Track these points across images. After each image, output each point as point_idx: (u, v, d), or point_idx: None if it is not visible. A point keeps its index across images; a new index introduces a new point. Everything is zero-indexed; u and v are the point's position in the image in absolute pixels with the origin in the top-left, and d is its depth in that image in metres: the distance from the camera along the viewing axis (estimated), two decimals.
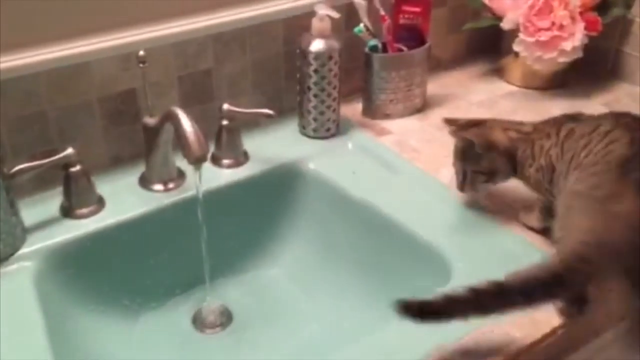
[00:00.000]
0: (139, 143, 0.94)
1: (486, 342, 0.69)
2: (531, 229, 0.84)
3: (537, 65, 1.15)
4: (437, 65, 1.27)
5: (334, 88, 1.02)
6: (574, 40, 1.11)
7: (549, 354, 0.70)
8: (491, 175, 0.83)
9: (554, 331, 0.71)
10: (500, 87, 1.24)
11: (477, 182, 0.84)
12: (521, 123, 0.85)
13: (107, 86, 0.91)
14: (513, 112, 1.14)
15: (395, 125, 1.10)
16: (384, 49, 1.09)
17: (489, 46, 1.32)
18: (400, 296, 0.85)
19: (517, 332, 0.70)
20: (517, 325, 0.70)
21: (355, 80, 1.14)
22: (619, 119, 0.76)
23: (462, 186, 0.86)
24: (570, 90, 1.22)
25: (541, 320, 0.71)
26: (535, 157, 0.79)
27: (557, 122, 0.81)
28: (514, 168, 0.83)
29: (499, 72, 1.27)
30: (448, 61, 1.30)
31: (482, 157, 0.82)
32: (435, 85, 1.21)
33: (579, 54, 1.13)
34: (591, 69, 1.24)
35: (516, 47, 1.15)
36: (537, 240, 0.83)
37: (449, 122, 0.87)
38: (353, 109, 1.14)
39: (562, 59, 1.13)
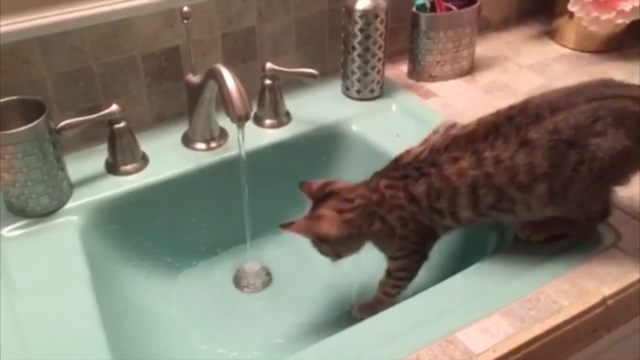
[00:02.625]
0: (182, 101, 0.94)
1: (532, 309, 0.67)
2: None
3: (593, 26, 1.10)
4: (487, 27, 1.23)
5: (379, 48, 0.99)
6: (634, 0, 1.05)
7: None
8: (339, 256, 0.75)
9: (603, 301, 0.69)
10: (552, 49, 1.19)
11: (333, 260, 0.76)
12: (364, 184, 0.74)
13: (151, 43, 0.91)
14: (565, 76, 1.10)
15: (441, 87, 1.07)
16: (432, 8, 1.05)
17: (542, 7, 1.27)
18: (442, 257, 0.85)
19: (564, 300, 0.68)
20: (565, 293, 0.69)
21: (401, 41, 1.11)
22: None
23: None
24: (627, 53, 1.16)
25: (590, 289, 0.69)
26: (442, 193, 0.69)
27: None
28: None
29: (551, 34, 1.22)
30: (498, 22, 1.25)
31: (321, 246, 0.74)
32: (484, 48, 1.18)
33: (639, 15, 1.07)
34: None
35: (571, 7, 1.10)
36: None
37: (302, 186, 0.78)
38: (398, 71, 1.11)
39: (621, 20, 1.07)
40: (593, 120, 0.65)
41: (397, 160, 0.74)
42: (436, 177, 0.69)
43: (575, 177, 0.66)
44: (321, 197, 0.75)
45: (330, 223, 0.71)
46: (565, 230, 0.75)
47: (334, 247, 0.74)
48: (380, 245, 0.75)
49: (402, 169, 0.72)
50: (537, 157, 0.66)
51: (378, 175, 0.74)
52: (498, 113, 0.70)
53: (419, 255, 0.74)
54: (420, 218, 0.71)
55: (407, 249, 0.74)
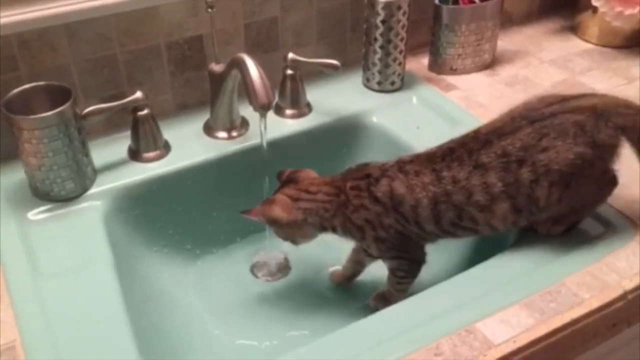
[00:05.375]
0: (204, 90, 0.94)
1: (553, 301, 0.67)
2: None
3: (617, 21, 1.09)
4: (509, 21, 1.22)
5: (401, 40, 0.99)
6: None
7: None
8: (294, 242, 0.79)
9: (624, 295, 0.68)
10: (575, 44, 1.18)
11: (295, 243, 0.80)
12: (324, 183, 0.77)
13: (175, 32, 0.91)
14: (588, 71, 1.09)
15: (462, 80, 1.07)
16: (455, 1, 1.05)
17: (564, 1, 1.26)
18: (463, 248, 0.85)
19: (585, 293, 0.68)
20: (586, 286, 0.69)
21: (423, 33, 1.11)
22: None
23: None
24: None
25: (611, 283, 0.69)
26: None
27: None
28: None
29: (574, 29, 1.21)
30: (520, 16, 1.24)
31: (274, 228, 0.78)
32: (505, 42, 1.17)
33: None
34: None
35: (595, 2, 1.10)
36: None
37: (278, 174, 0.81)
38: (419, 63, 1.11)
39: None
40: (538, 139, 0.69)
41: (365, 164, 0.76)
42: (400, 181, 0.72)
43: (538, 192, 0.69)
44: (282, 183, 0.79)
45: (281, 207, 0.75)
46: (580, 216, 0.76)
47: (286, 231, 0.78)
48: (361, 244, 0.78)
49: (366, 169, 0.75)
50: (491, 178, 0.69)
51: (345, 175, 0.76)
52: (453, 140, 0.74)
53: (407, 261, 0.77)
54: (387, 221, 0.73)
55: (389, 252, 0.76)
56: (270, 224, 0.77)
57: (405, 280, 0.78)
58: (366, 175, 0.74)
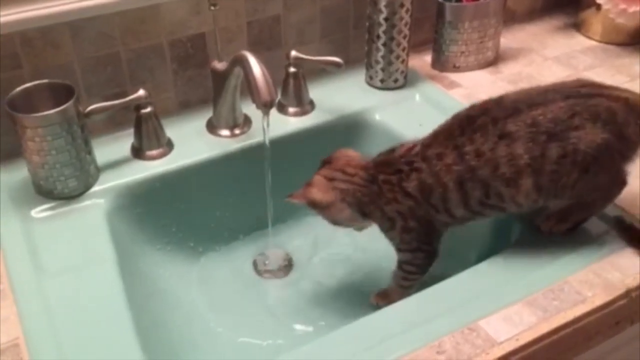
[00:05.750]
0: (207, 88, 0.94)
1: (556, 299, 0.67)
2: None
3: (621, 18, 1.09)
4: (512, 18, 1.22)
5: (404, 37, 0.99)
6: None
7: None
8: (339, 224, 0.78)
9: (627, 293, 0.68)
10: (578, 41, 1.18)
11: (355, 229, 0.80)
12: (360, 167, 0.75)
13: (178, 30, 0.91)
14: (591, 68, 1.09)
15: (465, 78, 1.07)
16: None
17: None
18: (466, 246, 0.85)
19: (588, 291, 0.68)
20: (588, 284, 0.69)
21: (426, 31, 1.11)
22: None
23: None
24: None
25: (614, 281, 0.69)
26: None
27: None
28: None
29: (577, 26, 1.21)
30: (523, 13, 1.24)
31: (319, 213, 0.77)
32: (508, 39, 1.17)
33: None
34: None
35: None
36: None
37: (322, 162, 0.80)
38: (422, 61, 1.11)
39: None
40: (570, 116, 0.67)
41: (392, 151, 0.75)
42: (427, 173, 0.71)
43: (560, 171, 0.67)
44: (321, 165, 0.78)
45: (318, 188, 0.75)
46: (586, 215, 0.76)
47: (328, 214, 0.76)
48: (385, 233, 0.77)
49: (395, 163, 0.73)
50: (517, 149, 0.67)
51: (377, 164, 0.74)
52: (473, 107, 0.72)
53: (424, 253, 0.76)
54: (419, 212, 0.72)
55: (410, 243, 0.75)
56: (311, 207, 0.76)
57: (412, 276, 0.78)
58: (397, 171, 0.72)
